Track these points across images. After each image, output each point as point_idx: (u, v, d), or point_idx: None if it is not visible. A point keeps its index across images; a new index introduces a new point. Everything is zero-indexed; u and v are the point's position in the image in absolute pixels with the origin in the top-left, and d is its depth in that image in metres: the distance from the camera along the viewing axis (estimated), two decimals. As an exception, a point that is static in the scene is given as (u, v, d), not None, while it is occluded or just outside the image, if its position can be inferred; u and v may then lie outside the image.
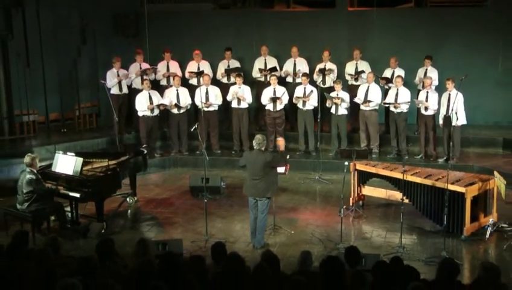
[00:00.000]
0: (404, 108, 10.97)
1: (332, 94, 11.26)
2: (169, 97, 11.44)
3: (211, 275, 5.06)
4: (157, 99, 11.36)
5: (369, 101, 11.06)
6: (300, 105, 11.40)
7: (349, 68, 11.97)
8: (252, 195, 7.72)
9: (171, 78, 12.00)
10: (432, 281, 4.98)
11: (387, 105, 11.19)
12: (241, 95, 11.48)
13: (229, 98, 11.60)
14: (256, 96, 12.01)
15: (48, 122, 12.74)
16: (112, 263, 5.39)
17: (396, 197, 8.66)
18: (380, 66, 11.90)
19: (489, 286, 4.75)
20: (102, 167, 8.74)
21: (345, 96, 11.24)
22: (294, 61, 12.06)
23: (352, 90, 11.64)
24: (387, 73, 11.68)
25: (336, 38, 12.74)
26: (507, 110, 12.50)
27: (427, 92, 10.79)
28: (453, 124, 10.36)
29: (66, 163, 8.46)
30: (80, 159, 8.37)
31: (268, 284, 4.76)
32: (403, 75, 11.33)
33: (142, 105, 11.27)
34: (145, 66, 12.10)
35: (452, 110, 10.28)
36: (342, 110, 11.25)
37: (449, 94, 10.40)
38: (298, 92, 11.42)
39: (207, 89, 11.56)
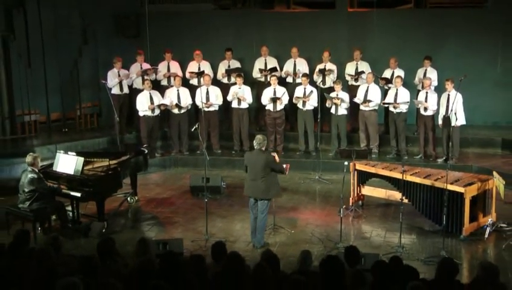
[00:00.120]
0: (403, 108, 10.99)
1: (332, 94, 11.28)
2: (170, 97, 11.46)
3: (211, 274, 5.08)
4: (158, 99, 11.39)
5: (369, 101, 11.08)
6: (300, 105, 11.42)
7: (350, 69, 11.99)
8: (252, 195, 7.74)
9: (172, 79, 12.02)
10: (431, 281, 5.00)
11: (386, 105, 11.21)
12: (241, 95, 11.50)
13: (229, 98, 11.62)
14: (257, 96, 12.03)
15: (49, 122, 12.78)
16: (113, 262, 5.40)
17: (395, 197, 8.67)
18: (379, 67, 11.92)
19: (488, 285, 4.76)
20: (103, 166, 8.77)
21: (345, 96, 11.27)
22: (295, 61, 12.08)
23: (352, 91, 11.67)
24: (386, 73, 11.70)
25: (336, 39, 12.76)
26: (506, 110, 12.52)
27: (427, 93, 10.81)
28: (452, 124, 10.36)
29: (67, 162, 8.48)
30: (81, 159, 8.39)
31: (268, 284, 4.77)
32: (403, 76, 11.34)
33: (143, 105, 11.30)
34: (146, 66, 12.12)
35: (451, 110, 10.29)
36: (342, 111, 11.27)
37: (448, 94, 10.42)
38: (298, 92, 11.45)
39: (207, 89, 11.59)
